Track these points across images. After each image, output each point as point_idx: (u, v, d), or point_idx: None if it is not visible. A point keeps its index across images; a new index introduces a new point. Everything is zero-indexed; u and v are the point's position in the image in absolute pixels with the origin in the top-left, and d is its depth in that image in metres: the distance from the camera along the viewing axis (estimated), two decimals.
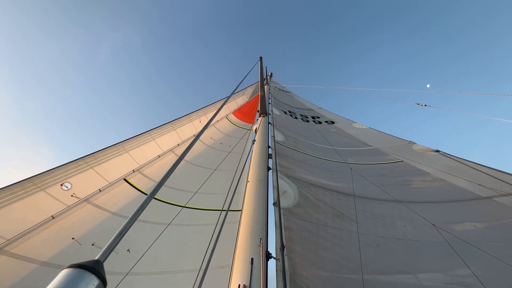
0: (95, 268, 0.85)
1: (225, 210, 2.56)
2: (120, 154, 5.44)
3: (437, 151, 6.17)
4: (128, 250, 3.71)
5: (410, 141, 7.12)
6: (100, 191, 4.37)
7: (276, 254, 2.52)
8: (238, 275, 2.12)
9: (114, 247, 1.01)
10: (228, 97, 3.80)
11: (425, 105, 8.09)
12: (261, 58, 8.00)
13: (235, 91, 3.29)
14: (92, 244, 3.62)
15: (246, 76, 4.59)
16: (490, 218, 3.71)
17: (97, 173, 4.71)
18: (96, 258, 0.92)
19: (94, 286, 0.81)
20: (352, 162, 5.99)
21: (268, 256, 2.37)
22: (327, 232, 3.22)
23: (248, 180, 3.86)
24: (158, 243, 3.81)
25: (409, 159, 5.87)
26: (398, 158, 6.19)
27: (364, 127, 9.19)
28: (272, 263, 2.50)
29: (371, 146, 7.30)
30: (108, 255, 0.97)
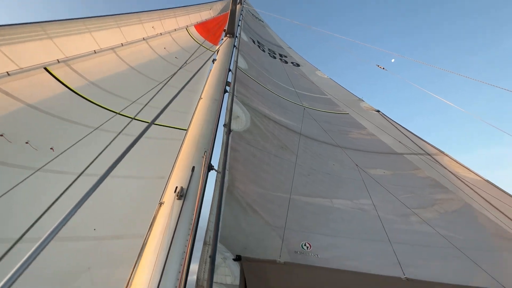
0: None
1: (147, 122, 2.34)
2: (40, 39, 4.28)
3: (378, 111, 6.87)
4: (51, 149, 3.29)
5: (360, 98, 7.67)
6: (8, 74, 3.46)
7: (218, 167, 2.58)
8: (177, 179, 2.13)
9: None
10: None
11: (383, 68, 8.52)
12: None
13: None
14: (1, 135, 3.04)
15: None
16: (396, 168, 4.57)
17: (4, 54, 3.65)
18: None
19: None
20: (306, 106, 6.21)
21: (210, 167, 2.41)
22: (270, 159, 3.45)
23: (201, 97, 3.60)
24: (87, 145, 3.46)
25: (355, 113, 6.41)
26: (345, 110, 6.69)
27: (325, 76, 9.33)
28: (212, 176, 2.59)
29: (326, 95, 7.60)
30: None
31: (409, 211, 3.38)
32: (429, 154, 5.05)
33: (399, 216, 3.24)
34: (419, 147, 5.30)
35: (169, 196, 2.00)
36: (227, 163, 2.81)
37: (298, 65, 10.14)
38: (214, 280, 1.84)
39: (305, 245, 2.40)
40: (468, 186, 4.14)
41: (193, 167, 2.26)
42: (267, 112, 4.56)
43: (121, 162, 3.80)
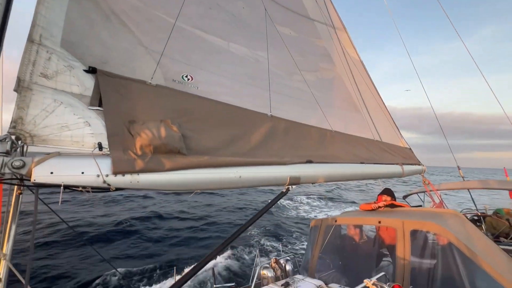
0: None
1: None
2: None
3: None
4: None
5: None
6: None
7: None
8: None
9: None
10: None
11: None
12: None
13: None
14: None
15: None
16: (303, 32, 4.56)
17: None
18: None
19: None
20: None
21: None
22: None
23: None
24: None
25: None
26: None
27: None
28: None
29: None
30: None
31: (297, 71, 3.71)
32: (334, 28, 5.22)
33: (286, 73, 3.52)
34: (330, 18, 5.30)
35: None
36: None
37: None
38: (54, 86, 1.50)
39: (186, 76, 2.26)
40: (347, 63, 4.84)
41: None
42: None
43: None
